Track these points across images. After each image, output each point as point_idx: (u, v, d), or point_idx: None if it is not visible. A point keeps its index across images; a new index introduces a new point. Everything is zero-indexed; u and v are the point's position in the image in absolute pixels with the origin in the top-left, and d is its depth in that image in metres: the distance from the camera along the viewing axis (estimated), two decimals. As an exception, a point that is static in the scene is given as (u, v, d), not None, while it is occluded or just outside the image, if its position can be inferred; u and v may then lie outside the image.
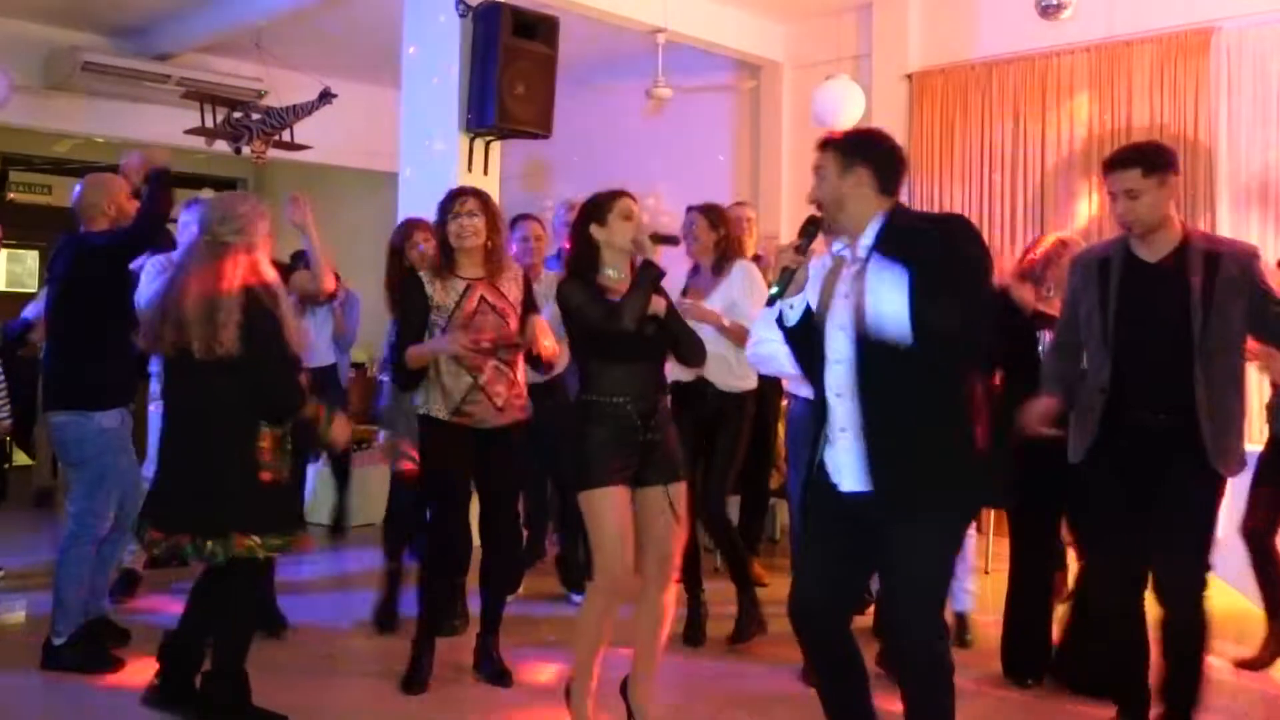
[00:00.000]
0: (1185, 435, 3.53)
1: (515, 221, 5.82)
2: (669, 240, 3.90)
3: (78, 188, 4.87)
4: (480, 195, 4.43)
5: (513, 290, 4.43)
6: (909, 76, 8.01)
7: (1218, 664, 4.58)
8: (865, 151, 3.08)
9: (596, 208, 3.82)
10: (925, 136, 7.87)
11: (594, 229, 3.80)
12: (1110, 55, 7.17)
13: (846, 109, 7.33)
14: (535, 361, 4.41)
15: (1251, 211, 6.77)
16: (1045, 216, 7.42)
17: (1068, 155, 7.34)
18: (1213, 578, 3.71)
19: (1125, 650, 3.82)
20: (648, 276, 3.71)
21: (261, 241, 3.84)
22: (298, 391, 3.75)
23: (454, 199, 4.39)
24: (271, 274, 3.80)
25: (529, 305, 4.48)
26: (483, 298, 4.33)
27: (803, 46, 8.58)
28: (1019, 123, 7.52)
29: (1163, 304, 3.57)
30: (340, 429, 3.90)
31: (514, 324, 4.37)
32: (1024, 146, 7.50)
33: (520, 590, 5.77)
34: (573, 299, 3.75)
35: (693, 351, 3.92)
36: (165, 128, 8.48)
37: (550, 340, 4.32)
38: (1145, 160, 3.59)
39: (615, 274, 3.80)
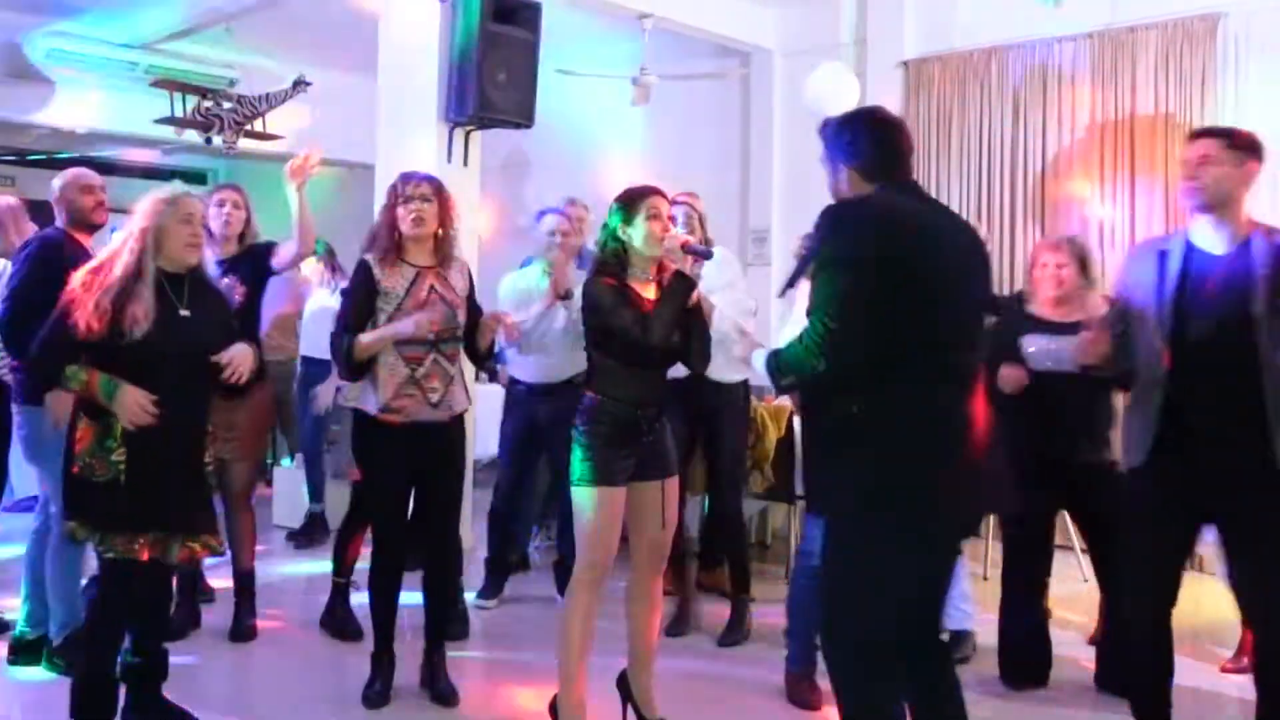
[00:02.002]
0: (1253, 445, 3.35)
1: (543, 215, 5.49)
2: (701, 253, 3.75)
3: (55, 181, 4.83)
4: (433, 181, 4.27)
5: (460, 283, 4.29)
6: (905, 64, 7.89)
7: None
8: (837, 146, 3.00)
9: (625, 206, 3.71)
10: (921, 127, 7.73)
11: (621, 228, 3.70)
12: (1113, 42, 7.04)
13: (839, 98, 7.14)
14: (478, 357, 4.38)
15: (1260, 203, 6.51)
16: (1046, 210, 7.31)
17: (1069, 146, 7.22)
18: (1218, 584, 3.66)
19: (1153, 663, 3.67)
20: (678, 291, 3.64)
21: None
22: (36, 369, 3.70)
23: (405, 182, 4.21)
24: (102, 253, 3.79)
25: (473, 299, 4.38)
26: (432, 286, 4.19)
27: (794, 32, 8.44)
28: (1019, 112, 7.40)
29: (1225, 298, 3.42)
30: (128, 405, 3.55)
31: (462, 317, 4.25)
32: (1024, 137, 7.38)
33: (502, 595, 5.72)
34: (601, 300, 3.66)
35: (702, 359, 3.86)
36: (133, 117, 8.34)
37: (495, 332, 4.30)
38: (1231, 135, 3.54)
39: (643, 274, 3.73)
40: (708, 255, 3.78)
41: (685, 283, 3.64)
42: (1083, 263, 4.48)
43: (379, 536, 4.29)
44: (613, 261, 3.71)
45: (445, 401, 4.20)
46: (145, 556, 3.61)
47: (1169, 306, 3.47)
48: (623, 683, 3.90)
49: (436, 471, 4.25)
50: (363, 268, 4.19)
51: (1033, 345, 4.34)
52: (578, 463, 3.66)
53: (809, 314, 2.85)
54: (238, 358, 3.71)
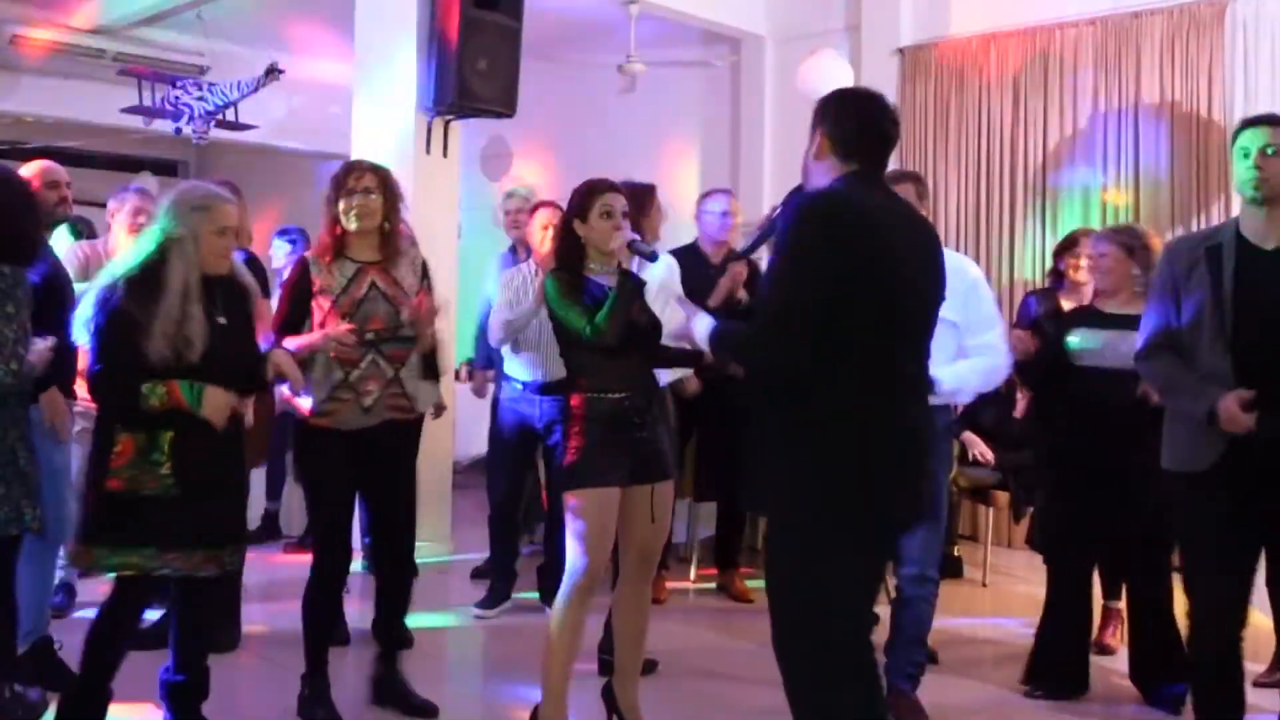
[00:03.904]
0: None
1: (535, 208, 5.49)
2: (645, 254, 3.82)
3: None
4: (379, 171, 4.06)
5: (408, 278, 4.09)
6: (901, 51, 7.79)
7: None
8: (822, 114, 2.96)
9: (579, 202, 3.74)
10: (918, 116, 7.63)
11: (576, 224, 3.73)
12: (1117, 28, 6.96)
13: (833, 87, 6.95)
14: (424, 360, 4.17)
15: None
16: (1046, 202, 7.22)
17: (1071, 136, 7.12)
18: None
19: (1226, 692, 3.49)
20: (625, 289, 3.64)
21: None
22: (113, 396, 3.60)
23: (349, 173, 4.02)
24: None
25: (429, 294, 4.23)
26: (374, 283, 3.99)
27: (786, 18, 8.32)
28: (1018, 102, 7.30)
29: None
30: (220, 405, 3.52)
31: (408, 314, 4.03)
32: (1024, 127, 7.29)
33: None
34: (555, 293, 3.68)
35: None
36: (100, 106, 8.22)
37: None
38: None
39: (602, 267, 3.75)
40: (652, 257, 3.81)
41: (632, 280, 3.66)
42: (1129, 250, 4.35)
43: (318, 547, 4.10)
44: (569, 254, 3.73)
45: (379, 406, 3.98)
46: (207, 571, 3.57)
47: (1229, 306, 3.34)
48: (608, 694, 3.85)
49: (380, 480, 4.08)
50: (300, 265, 4.03)
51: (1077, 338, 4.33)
52: (569, 465, 3.62)
53: (759, 301, 2.85)
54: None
